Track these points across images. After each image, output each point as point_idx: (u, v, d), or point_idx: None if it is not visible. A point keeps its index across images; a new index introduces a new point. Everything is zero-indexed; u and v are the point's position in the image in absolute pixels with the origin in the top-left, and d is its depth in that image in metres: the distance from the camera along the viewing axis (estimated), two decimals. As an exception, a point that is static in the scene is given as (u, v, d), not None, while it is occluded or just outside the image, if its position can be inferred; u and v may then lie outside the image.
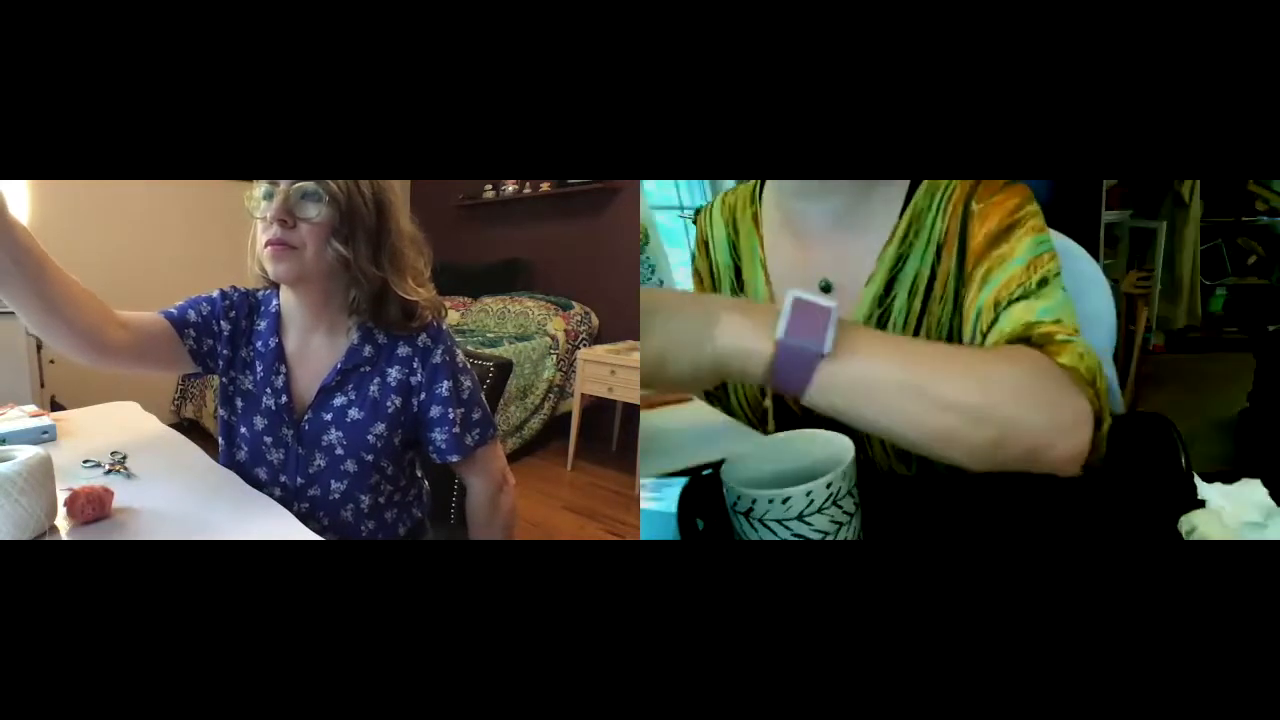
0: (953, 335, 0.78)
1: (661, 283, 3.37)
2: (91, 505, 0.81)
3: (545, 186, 3.67)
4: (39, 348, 2.31)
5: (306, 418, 0.95)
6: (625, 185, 3.28)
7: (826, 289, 0.85)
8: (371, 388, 0.95)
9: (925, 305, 0.79)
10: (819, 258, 0.86)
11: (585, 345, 3.29)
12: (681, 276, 3.91)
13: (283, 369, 0.96)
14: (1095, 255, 1.03)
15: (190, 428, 3.03)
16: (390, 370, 0.95)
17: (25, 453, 0.78)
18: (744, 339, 0.54)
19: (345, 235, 0.89)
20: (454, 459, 0.98)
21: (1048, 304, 0.70)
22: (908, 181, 0.84)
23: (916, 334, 0.79)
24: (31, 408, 1.19)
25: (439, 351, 0.97)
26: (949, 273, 0.78)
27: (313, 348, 0.97)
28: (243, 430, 0.98)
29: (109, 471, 0.97)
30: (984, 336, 0.71)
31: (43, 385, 2.32)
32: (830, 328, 0.53)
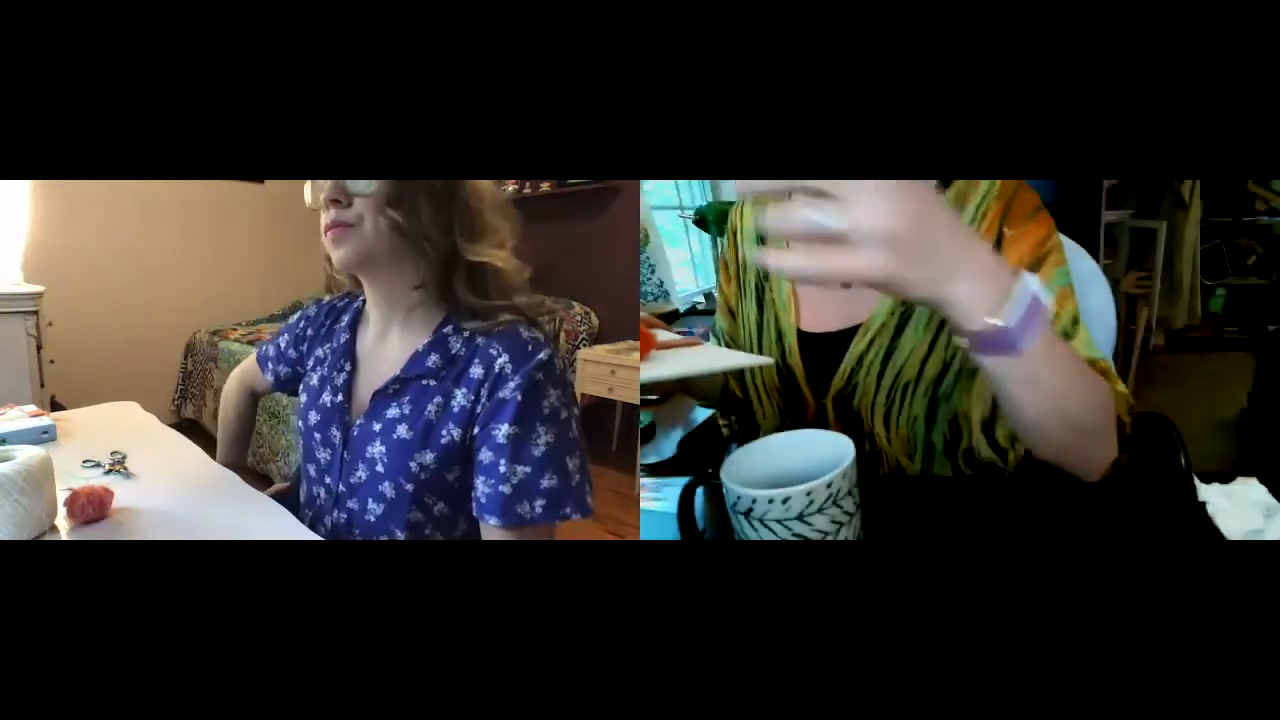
0: None
1: (661, 283, 3.37)
2: (91, 505, 0.81)
3: (545, 186, 3.67)
4: (39, 347, 2.31)
5: (358, 423, 0.86)
6: (625, 185, 3.28)
7: (846, 284, 0.87)
8: (430, 407, 0.81)
9: None
10: None
11: (585, 345, 3.29)
12: (681, 276, 3.91)
13: (347, 366, 0.91)
14: (1095, 255, 1.03)
15: (190, 428, 3.03)
16: (457, 392, 0.81)
17: (25, 453, 0.78)
18: (976, 299, 0.53)
19: (397, 198, 0.82)
20: (491, 522, 0.78)
21: (1090, 340, 0.79)
22: (933, 185, 0.86)
23: (939, 333, 0.83)
24: (31, 408, 1.19)
25: (513, 384, 0.78)
26: None
27: (387, 347, 0.89)
28: (300, 425, 0.95)
29: (109, 471, 0.97)
30: None
31: (43, 385, 2.32)
32: (1040, 331, 0.54)
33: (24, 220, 2.43)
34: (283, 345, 1.06)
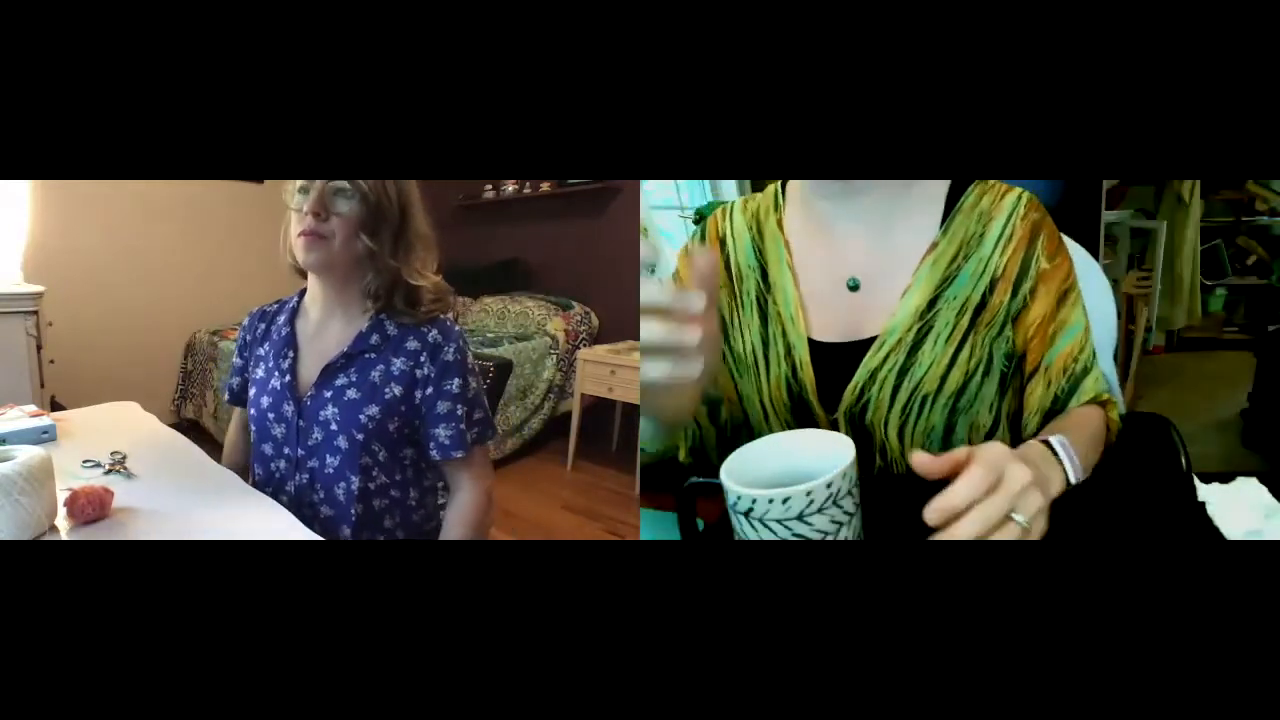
0: (992, 355, 0.83)
1: (662, 282, 3.35)
2: (91, 505, 0.81)
3: (545, 186, 3.67)
4: (39, 347, 2.31)
5: (309, 394, 1.02)
6: (625, 185, 3.28)
7: (854, 287, 0.86)
8: (374, 374, 1.00)
9: (973, 325, 0.83)
10: (846, 256, 0.87)
11: (585, 345, 3.29)
12: (681, 276, 3.89)
13: (290, 353, 1.05)
14: (1095, 255, 1.03)
15: (190, 428, 3.03)
16: (395, 360, 1.01)
17: (25, 453, 0.78)
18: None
19: (372, 229, 0.98)
20: (458, 455, 1.02)
21: (1101, 374, 0.85)
22: (945, 188, 0.86)
23: (960, 347, 0.84)
24: (31, 408, 1.19)
25: (451, 349, 1.02)
26: (1002, 305, 0.84)
27: (329, 332, 1.05)
28: (253, 412, 1.07)
29: (109, 471, 0.97)
30: (1060, 398, 0.83)
31: (43, 385, 2.32)
32: (1080, 457, 0.68)
33: (24, 220, 2.43)
34: (235, 361, 1.18)
